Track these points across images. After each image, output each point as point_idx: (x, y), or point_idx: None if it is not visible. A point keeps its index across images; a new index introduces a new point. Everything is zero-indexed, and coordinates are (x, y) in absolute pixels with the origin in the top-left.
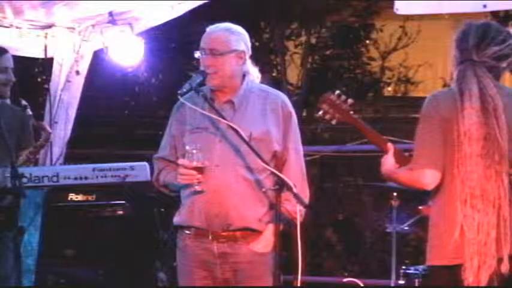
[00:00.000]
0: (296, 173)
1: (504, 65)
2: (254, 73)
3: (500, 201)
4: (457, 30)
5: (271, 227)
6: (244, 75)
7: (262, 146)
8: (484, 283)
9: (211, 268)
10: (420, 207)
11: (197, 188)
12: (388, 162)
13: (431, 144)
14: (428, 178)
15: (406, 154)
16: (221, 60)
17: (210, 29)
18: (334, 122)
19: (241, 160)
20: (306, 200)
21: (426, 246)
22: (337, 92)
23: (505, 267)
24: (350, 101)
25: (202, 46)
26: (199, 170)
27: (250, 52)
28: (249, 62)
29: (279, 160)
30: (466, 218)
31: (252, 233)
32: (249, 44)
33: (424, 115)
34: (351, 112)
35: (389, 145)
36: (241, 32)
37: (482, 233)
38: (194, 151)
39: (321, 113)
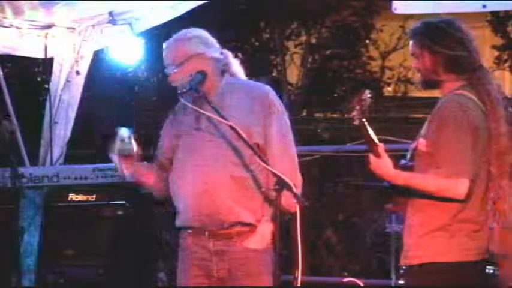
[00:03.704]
0: (283, 166)
1: None
2: (237, 68)
3: None
4: (447, 26)
5: (265, 224)
6: (224, 72)
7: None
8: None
9: (207, 266)
10: (389, 205)
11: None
12: (388, 165)
13: (469, 154)
14: (464, 189)
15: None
16: (185, 69)
17: (164, 45)
18: (356, 122)
19: (234, 158)
20: (298, 190)
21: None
22: (368, 90)
23: None
24: (368, 101)
25: (165, 64)
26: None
27: (215, 48)
28: (231, 58)
29: (262, 153)
30: (506, 224)
31: (247, 229)
32: (211, 41)
33: (455, 121)
34: (364, 119)
35: (381, 147)
36: (194, 35)
37: None
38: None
39: (353, 113)
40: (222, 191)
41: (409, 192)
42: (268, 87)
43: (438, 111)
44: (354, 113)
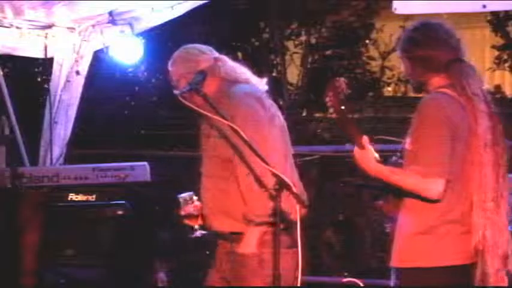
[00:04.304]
0: (243, 182)
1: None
2: (232, 72)
3: (505, 204)
4: (414, 30)
5: (251, 229)
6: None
7: (214, 157)
8: (506, 283)
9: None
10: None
11: (197, 234)
12: (369, 157)
13: (445, 153)
14: (439, 188)
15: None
16: (181, 86)
17: None
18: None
19: (219, 166)
20: (255, 217)
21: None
22: (343, 79)
23: (510, 266)
24: (347, 91)
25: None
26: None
27: (194, 66)
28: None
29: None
30: (488, 221)
31: (239, 236)
32: (191, 58)
33: (433, 120)
34: (342, 107)
35: (365, 138)
36: (178, 56)
37: (502, 235)
38: (181, 200)
39: (327, 100)
40: (210, 200)
41: (399, 192)
42: (243, 90)
43: (418, 110)
44: (329, 102)
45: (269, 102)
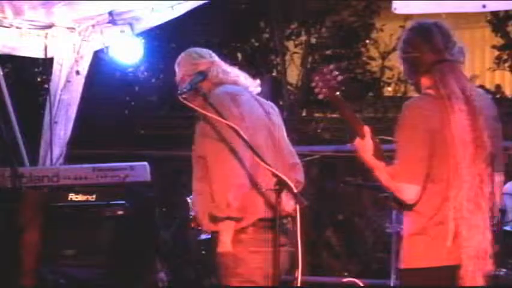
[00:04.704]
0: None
1: (462, 59)
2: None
3: (488, 203)
4: (409, 31)
5: (221, 225)
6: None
7: (199, 157)
8: (480, 283)
9: None
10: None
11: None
12: (367, 147)
13: (416, 159)
14: (409, 194)
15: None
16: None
17: None
18: (321, 96)
19: (199, 165)
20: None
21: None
22: (331, 66)
23: (491, 267)
24: (340, 77)
25: None
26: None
27: (193, 69)
28: (217, 70)
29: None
30: (463, 221)
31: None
32: (191, 61)
33: (409, 125)
34: (337, 92)
35: (367, 129)
36: (181, 58)
37: (479, 235)
38: (189, 201)
39: (312, 84)
40: (197, 201)
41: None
42: (217, 93)
43: (401, 112)
44: (316, 88)
45: (253, 102)
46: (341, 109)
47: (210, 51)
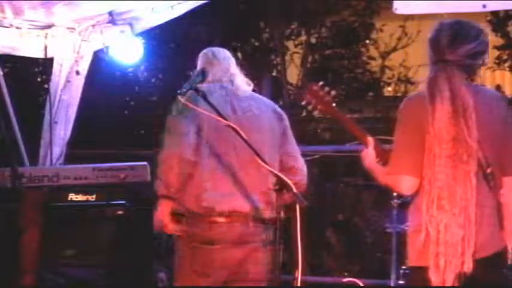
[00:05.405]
0: None
1: (480, 62)
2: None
3: (467, 202)
4: (431, 29)
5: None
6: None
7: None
8: (449, 284)
9: None
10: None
11: None
12: (370, 156)
13: (410, 150)
14: (405, 185)
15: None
16: None
17: None
18: (316, 112)
19: None
20: None
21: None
22: (321, 83)
23: (468, 268)
24: (333, 92)
25: None
26: None
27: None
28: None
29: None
30: (432, 219)
31: None
32: (199, 60)
33: (402, 118)
34: (333, 104)
35: (370, 139)
36: (225, 56)
37: (449, 234)
38: None
39: (304, 102)
40: None
41: None
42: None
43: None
44: (310, 105)
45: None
46: (341, 122)
47: (213, 52)
